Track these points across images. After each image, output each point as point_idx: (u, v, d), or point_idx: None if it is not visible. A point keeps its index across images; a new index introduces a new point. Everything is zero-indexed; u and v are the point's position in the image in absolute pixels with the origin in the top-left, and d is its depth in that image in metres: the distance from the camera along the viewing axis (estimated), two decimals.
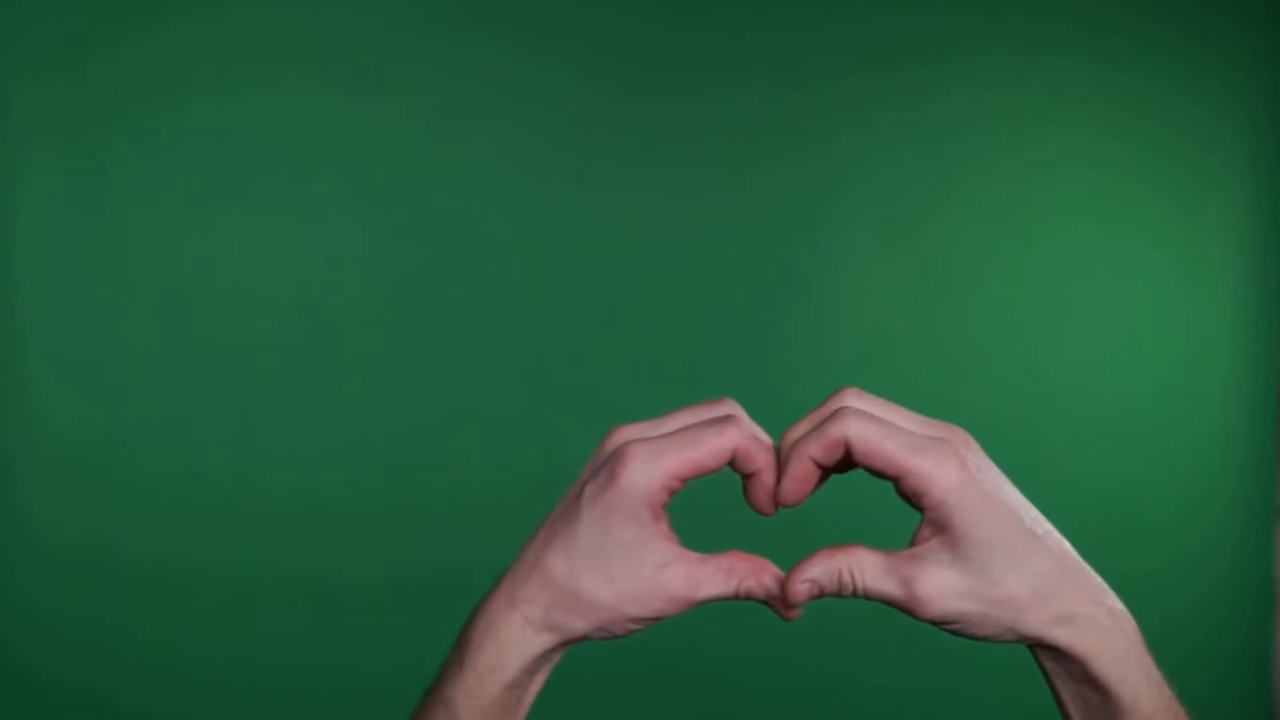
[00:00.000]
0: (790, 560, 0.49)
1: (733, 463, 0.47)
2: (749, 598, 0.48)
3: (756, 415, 0.50)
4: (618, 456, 0.47)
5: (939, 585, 0.46)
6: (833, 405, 0.48)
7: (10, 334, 1.15)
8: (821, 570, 0.47)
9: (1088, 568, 0.48)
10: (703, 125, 1.37)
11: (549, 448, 1.29)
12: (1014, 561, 0.45)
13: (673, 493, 0.47)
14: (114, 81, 1.17)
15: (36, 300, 1.16)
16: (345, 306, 1.25)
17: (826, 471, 0.48)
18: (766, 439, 0.49)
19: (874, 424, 0.46)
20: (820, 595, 0.48)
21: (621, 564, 0.47)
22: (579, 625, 0.47)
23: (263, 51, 1.21)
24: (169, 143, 1.19)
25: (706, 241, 1.38)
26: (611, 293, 1.34)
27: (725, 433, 0.46)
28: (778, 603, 0.48)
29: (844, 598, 0.48)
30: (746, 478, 0.48)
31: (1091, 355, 1.54)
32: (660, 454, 0.46)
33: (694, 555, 0.48)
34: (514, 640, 0.47)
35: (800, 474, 0.47)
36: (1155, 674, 0.47)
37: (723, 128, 1.37)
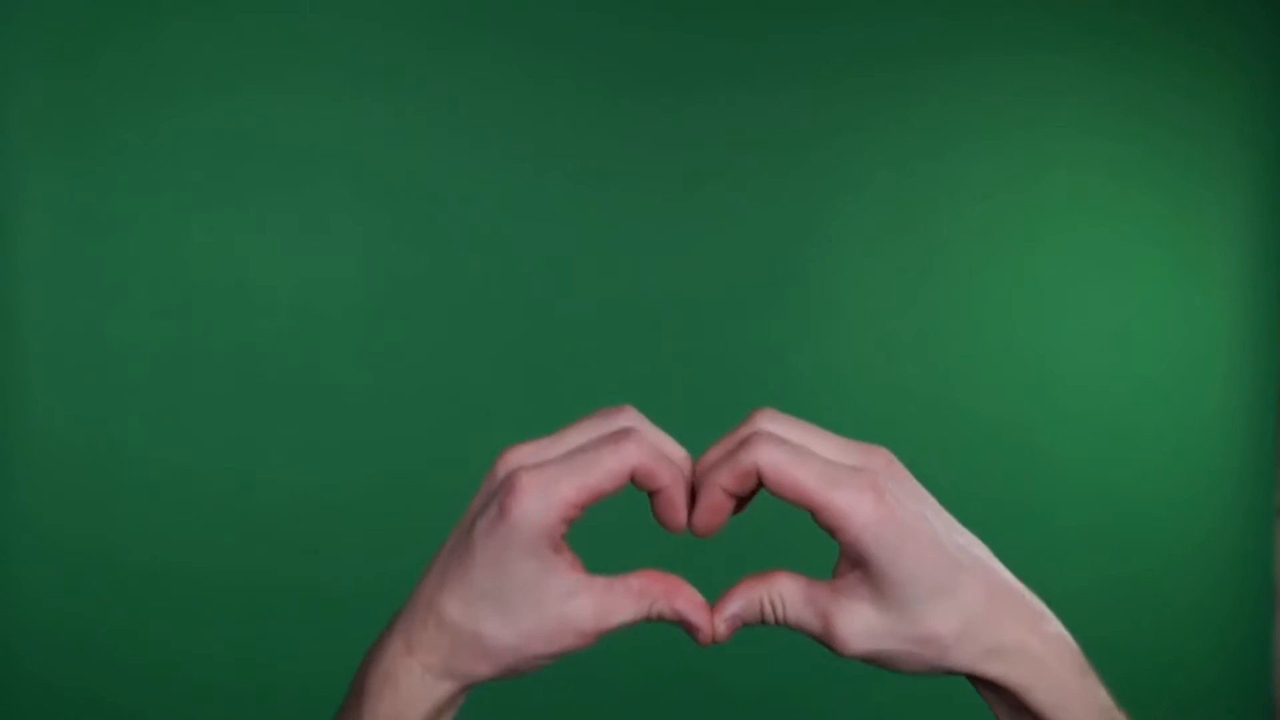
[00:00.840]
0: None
1: (634, 480, 0.44)
2: (661, 619, 0.45)
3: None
4: (507, 487, 0.42)
5: (857, 624, 0.44)
6: (746, 430, 0.45)
7: (10, 334, 1.15)
8: (743, 604, 0.45)
9: (1021, 591, 0.46)
10: (703, 125, 1.37)
11: None
12: (937, 597, 0.43)
13: (571, 521, 0.43)
14: (114, 82, 1.17)
15: (36, 300, 1.16)
16: (346, 307, 1.25)
17: (743, 499, 0.45)
18: (674, 449, 0.46)
19: (787, 452, 0.43)
20: (743, 626, 0.46)
21: (522, 602, 0.43)
22: (483, 669, 0.44)
23: (263, 51, 1.21)
24: (169, 143, 1.19)
25: (706, 241, 1.38)
26: (612, 293, 1.34)
27: (622, 452, 0.43)
28: (691, 628, 0.45)
29: (767, 626, 0.46)
30: (652, 494, 0.44)
31: (1091, 355, 1.54)
32: (554, 482, 0.42)
33: (601, 581, 0.44)
34: (414, 690, 0.44)
35: (712, 504, 0.44)
36: (1099, 697, 0.45)
37: (723, 128, 1.37)
